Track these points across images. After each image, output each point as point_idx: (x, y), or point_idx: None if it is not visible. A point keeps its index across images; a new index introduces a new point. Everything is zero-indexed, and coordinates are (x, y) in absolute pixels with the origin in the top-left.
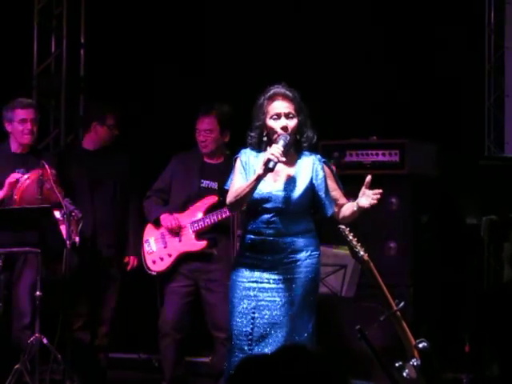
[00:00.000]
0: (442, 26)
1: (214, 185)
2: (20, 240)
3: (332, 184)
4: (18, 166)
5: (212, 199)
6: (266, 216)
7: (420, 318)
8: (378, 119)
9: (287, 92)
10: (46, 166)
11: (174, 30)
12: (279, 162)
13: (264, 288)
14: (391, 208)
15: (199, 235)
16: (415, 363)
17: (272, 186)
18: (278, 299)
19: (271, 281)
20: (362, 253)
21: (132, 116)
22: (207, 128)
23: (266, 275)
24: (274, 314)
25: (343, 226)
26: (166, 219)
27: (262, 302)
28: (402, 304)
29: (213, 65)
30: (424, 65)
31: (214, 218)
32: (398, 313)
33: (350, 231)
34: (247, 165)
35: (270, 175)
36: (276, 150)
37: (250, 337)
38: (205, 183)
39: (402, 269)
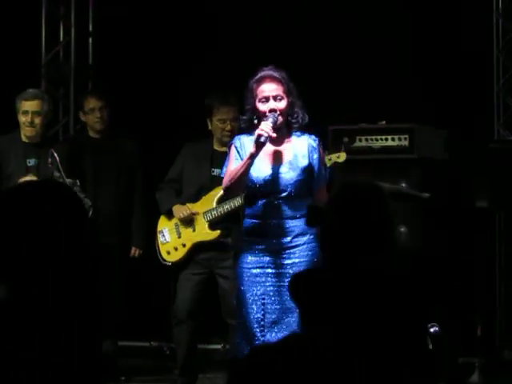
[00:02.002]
0: (449, 10)
1: None
2: None
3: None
4: (29, 155)
5: None
6: (266, 199)
7: (431, 301)
8: (387, 104)
9: (275, 74)
10: (55, 154)
11: (183, 17)
12: (270, 137)
13: (271, 273)
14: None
15: (212, 225)
16: None
17: (269, 169)
18: (286, 284)
19: (278, 265)
20: None
21: (140, 104)
22: (234, 116)
23: (272, 260)
24: (284, 299)
25: None
26: (178, 209)
27: (271, 288)
28: None
29: (223, 52)
30: (432, 49)
31: (226, 206)
32: None
33: None
34: (242, 148)
35: (266, 158)
36: (265, 125)
37: (262, 323)
38: (216, 171)
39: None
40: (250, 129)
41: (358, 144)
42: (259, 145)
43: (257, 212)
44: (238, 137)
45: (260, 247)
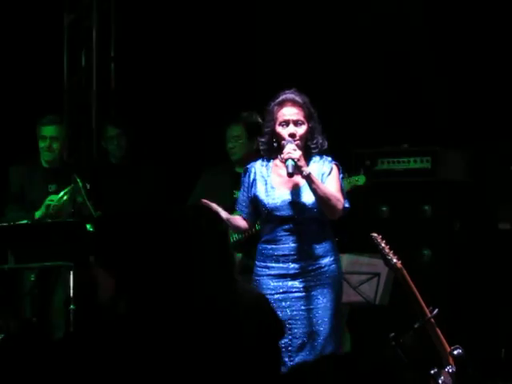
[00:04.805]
0: (470, 32)
1: None
2: (53, 254)
3: (329, 182)
4: (50, 180)
5: None
6: (284, 224)
7: (455, 324)
8: (408, 127)
9: (296, 98)
10: (78, 180)
11: (205, 43)
12: (297, 159)
13: (295, 297)
14: (424, 215)
15: (234, 248)
16: (450, 370)
17: (286, 194)
18: (311, 306)
19: (301, 289)
20: (394, 260)
21: (162, 129)
22: (235, 135)
23: (295, 284)
24: (311, 322)
25: (375, 234)
26: None
27: (297, 312)
28: (436, 311)
29: (244, 77)
30: (453, 71)
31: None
32: (433, 320)
33: (382, 239)
34: (257, 175)
35: (285, 184)
36: (290, 148)
37: (290, 348)
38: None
39: (436, 276)
40: (269, 152)
41: (380, 167)
42: (289, 174)
43: (275, 237)
44: (253, 164)
45: (281, 272)
